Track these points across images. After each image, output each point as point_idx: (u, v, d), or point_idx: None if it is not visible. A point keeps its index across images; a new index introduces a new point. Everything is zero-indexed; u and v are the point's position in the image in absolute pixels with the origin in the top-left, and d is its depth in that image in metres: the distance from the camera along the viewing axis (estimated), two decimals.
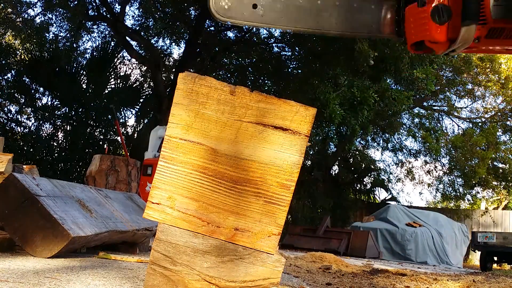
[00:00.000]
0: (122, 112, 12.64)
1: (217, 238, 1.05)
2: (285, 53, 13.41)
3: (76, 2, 11.85)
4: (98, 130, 12.09)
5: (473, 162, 15.21)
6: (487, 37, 0.97)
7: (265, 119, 1.06)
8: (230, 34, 14.03)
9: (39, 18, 13.18)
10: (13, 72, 11.95)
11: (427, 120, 16.57)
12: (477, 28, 0.96)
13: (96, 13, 12.90)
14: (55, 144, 11.70)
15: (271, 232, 1.05)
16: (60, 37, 13.37)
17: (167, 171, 1.05)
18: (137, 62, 13.88)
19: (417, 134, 15.19)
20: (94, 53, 12.80)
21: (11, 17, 12.83)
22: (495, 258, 10.07)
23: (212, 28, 13.70)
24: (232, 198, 1.04)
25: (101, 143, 12.00)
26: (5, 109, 11.93)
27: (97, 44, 13.75)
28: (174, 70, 14.19)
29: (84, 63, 12.66)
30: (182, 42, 13.99)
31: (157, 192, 1.05)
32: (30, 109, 12.14)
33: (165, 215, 1.05)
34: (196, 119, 1.05)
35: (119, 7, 12.79)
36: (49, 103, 12.00)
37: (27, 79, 11.78)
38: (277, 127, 1.06)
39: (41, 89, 11.97)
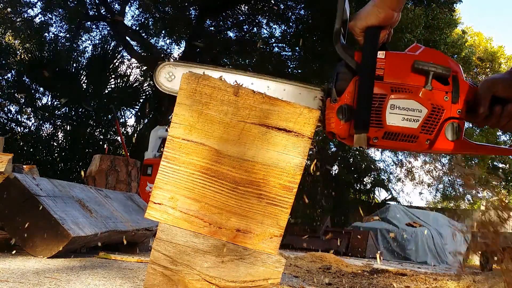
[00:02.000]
0: (122, 112, 12.64)
1: (216, 238, 1.05)
2: (285, 53, 13.41)
3: (75, 2, 11.85)
4: (98, 130, 12.09)
5: (473, 162, 15.21)
6: (383, 138, 1.07)
7: (268, 120, 1.05)
8: (231, 34, 14.04)
9: (39, 18, 13.19)
10: (13, 72, 11.95)
11: None
12: (374, 130, 1.05)
13: (96, 13, 12.89)
14: (55, 144, 11.70)
15: (273, 233, 1.05)
16: (60, 37, 13.37)
17: (170, 172, 1.05)
18: (137, 62, 13.88)
19: None
20: (94, 53, 12.80)
21: (11, 17, 12.83)
22: (495, 258, 10.06)
23: (212, 28, 13.70)
24: (235, 199, 1.04)
25: (101, 143, 11.99)
26: (5, 109, 11.93)
27: (97, 44, 13.74)
28: None
29: (84, 63, 12.65)
30: (182, 42, 13.99)
31: (159, 192, 1.05)
32: (30, 109, 12.14)
33: (167, 215, 1.05)
34: (199, 119, 1.05)
35: (119, 7, 12.79)
36: (49, 103, 12.00)
37: (27, 79, 11.77)
38: (280, 129, 1.06)
39: (41, 89, 11.96)
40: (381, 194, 17.63)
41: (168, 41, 14.72)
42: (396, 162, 18.28)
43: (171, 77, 1.30)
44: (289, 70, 13.25)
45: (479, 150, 1.18)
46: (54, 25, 13.38)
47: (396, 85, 1.05)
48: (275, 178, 1.05)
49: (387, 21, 1.06)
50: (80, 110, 11.70)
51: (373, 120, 1.04)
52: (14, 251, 2.62)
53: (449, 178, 16.77)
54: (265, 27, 13.55)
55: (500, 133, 15.79)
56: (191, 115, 1.05)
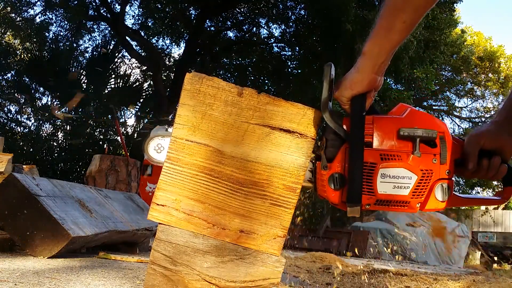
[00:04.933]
0: (122, 112, 12.64)
1: (220, 239, 1.05)
2: (285, 53, 13.41)
3: (76, 2, 11.84)
4: (98, 130, 12.09)
5: None
6: (375, 204, 1.08)
7: (272, 121, 1.05)
8: (230, 34, 14.03)
9: (39, 18, 13.17)
10: (13, 72, 11.95)
11: None
12: (366, 198, 1.06)
13: (96, 13, 12.89)
14: (55, 144, 11.70)
15: (276, 234, 1.05)
16: (60, 37, 13.36)
17: (173, 173, 1.04)
18: (137, 62, 13.88)
19: None
20: (94, 53, 12.80)
21: (11, 16, 12.82)
22: (495, 258, 10.08)
23: (212, 28, 13.70)
24: (238, 200, 1.04)
25: (101, 143, 12.00)
26: (5, 109, 11.93)
27: (97, 44, 13.74)
28: (174, 70, 14.19)
29: (84, 63, 12.65)
30: (182, 42, 13.98)
31: (162, 194, 1.04)
32: (30, 109, 12.15)
33: (170, 217, 1.04)
34: (203, 120, 1.04)
35: (119, 7, 12.78)
36: (49, 103, 12.00)
37: (27, 79, 11.77)
38: (284, 130, 1.05)
39: (41, 89, 11.96)
40: None
41: (168, 41, 14.74)
42: None
43: (160, 149, 1.32)
44: (289, 70, 13.25)
45: (468, 203, 1.22)
46: (54, 24, 13.39)
47: (385, 152, 1.05)
48: (279, 179, 1.05)
49: (371, 86, 1.06)
50: (80, 110, 11.70)
51: (364, 188, 1.05)
52: (14, 251, 2.62)
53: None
54: (264, 27, 13.56)
55: None
56: (195, 116, 1.04)
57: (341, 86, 1.07)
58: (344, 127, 1.06)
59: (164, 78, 13.59)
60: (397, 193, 1.06)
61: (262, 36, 13.72)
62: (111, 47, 12.62)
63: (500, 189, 1.22)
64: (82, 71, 12.15)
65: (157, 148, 1.33)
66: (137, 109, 13.04)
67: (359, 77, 1.04)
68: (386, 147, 1.06)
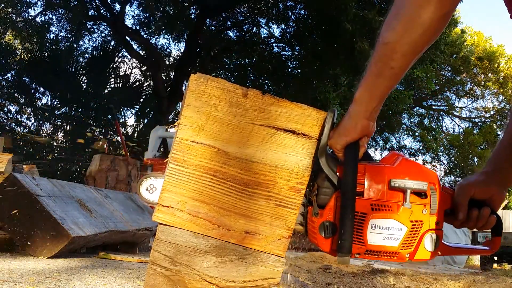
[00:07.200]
0: (122, 112, 12.64)
1: (224, 240, 1.04)
2: (285, 53, 13.41)
3: (76, 2, 11.85)
4: (98, 130, 12.09)
5: (474, 160, 15.23)
6: (365, 253, 1.08)
7: (277, 122, 1.05)
8: (231, 34, 14.04)
9: (39, 18, 13.17)
10: (13, 72, 11.96)
11: (427, 120, 16.60)
12: (356, 247, 1.06)
13: (96, 13, 12.89)
14: (55, 144, 11.71)
15: (281, 235, 1.05)
16: (60, 37, 13.36)
17: (178, 174, 1.03)
18: (137, 61, 13.88)
19: (416, 134, 15.23)
20: (94, 53, 12.80)
21: (11, 16, 12.82)
22: (495, 258, 10.07)
23: (212, 28, 13.70)
24: (243, 201, 1.03)
25: (101, 143, 12.00)
26: (5, 109, 11.93)
27: (97, 43, 13.73)
28: (174, 69, 14.18)
29: (84, 63, 12.65)
30: (182, 41, 13.98)
31: (167, 195, 1.04)
32: (30, 109, 12.15)
33: (175, 218, 1.04)
34: (208, 121, 1.03)
35: (119, 6, 12.78)
36: (49, 103, 12.00)
37: (27, 79, 11.77)
38: (288, 131, 1.05)
39: (41, 89, 11.96)
40: None
41: (168, 41, 14.74)
42: None
43: (152, 189, 1.33)
44: (289, 70, 13.25)
45: (456, 252, 1.24)
46: (54, 24, 13.38)
47: (376, 202, 1.05)
48: (284, 180, 1.04)
49: (364, 132, 1.06)
50: (80, 110, 11.70)
51: (354, 238, 1.05)
52: (14, 251, 2.62)
53: (449, 178, 16.77)
54: (264, 27, 13.56)
55: (500, 132, 15.80)
56: (200, 117, 1.04)
57: (334, 134, 1.07)
58: (338, 174, 1.05)
59: (164, 78, 13.59)
60: (386, 244, 1.06)
61: (262, 36, 13.72)
62: (111, 47, 12.61)
63: (488, 239, 1.22)
64: (82, 71, 12.15)
65: (149, 188, 1.34)
66: (137, 109, 13.05)
67: (352, 123, 1.04)
68: (377, 197, 1.06)
